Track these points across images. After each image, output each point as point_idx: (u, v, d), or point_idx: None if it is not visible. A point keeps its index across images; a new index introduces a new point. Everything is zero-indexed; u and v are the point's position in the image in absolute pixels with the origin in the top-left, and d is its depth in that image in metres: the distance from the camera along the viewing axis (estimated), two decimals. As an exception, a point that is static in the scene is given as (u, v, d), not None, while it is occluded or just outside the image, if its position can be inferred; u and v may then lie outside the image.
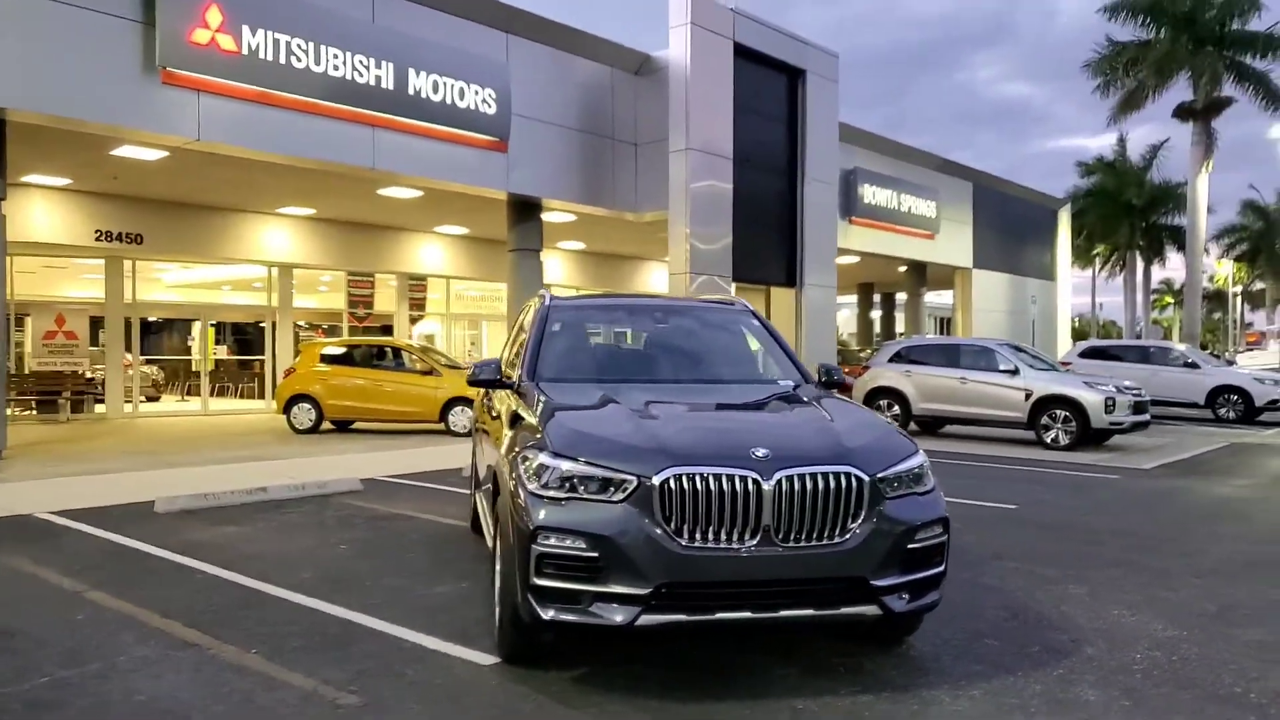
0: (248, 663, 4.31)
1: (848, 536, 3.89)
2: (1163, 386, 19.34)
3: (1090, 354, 21.27)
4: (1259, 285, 66.04)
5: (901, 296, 33.08)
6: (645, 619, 3.76)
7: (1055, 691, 4.02)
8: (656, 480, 3.81)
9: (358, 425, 16.35)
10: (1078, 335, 51.35)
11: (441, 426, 15.21)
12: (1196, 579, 6.04)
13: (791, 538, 3.82)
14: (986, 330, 27.75)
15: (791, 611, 3.89)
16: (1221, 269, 61.01)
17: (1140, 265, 47.35)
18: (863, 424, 4.49)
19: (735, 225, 17.44)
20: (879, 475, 4.02)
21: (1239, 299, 67.00)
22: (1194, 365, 20.41)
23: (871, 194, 23.75)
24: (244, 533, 7.23)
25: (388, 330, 24.13)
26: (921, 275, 28.43)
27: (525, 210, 17.28)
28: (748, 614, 3.87)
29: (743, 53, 17.58)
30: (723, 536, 3.79)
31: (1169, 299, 76.60)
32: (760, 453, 3.93)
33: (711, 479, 3.82)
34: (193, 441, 14.33)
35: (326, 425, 16.04)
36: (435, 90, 14.43)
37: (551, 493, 3.92)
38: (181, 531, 7.23)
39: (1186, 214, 30.35)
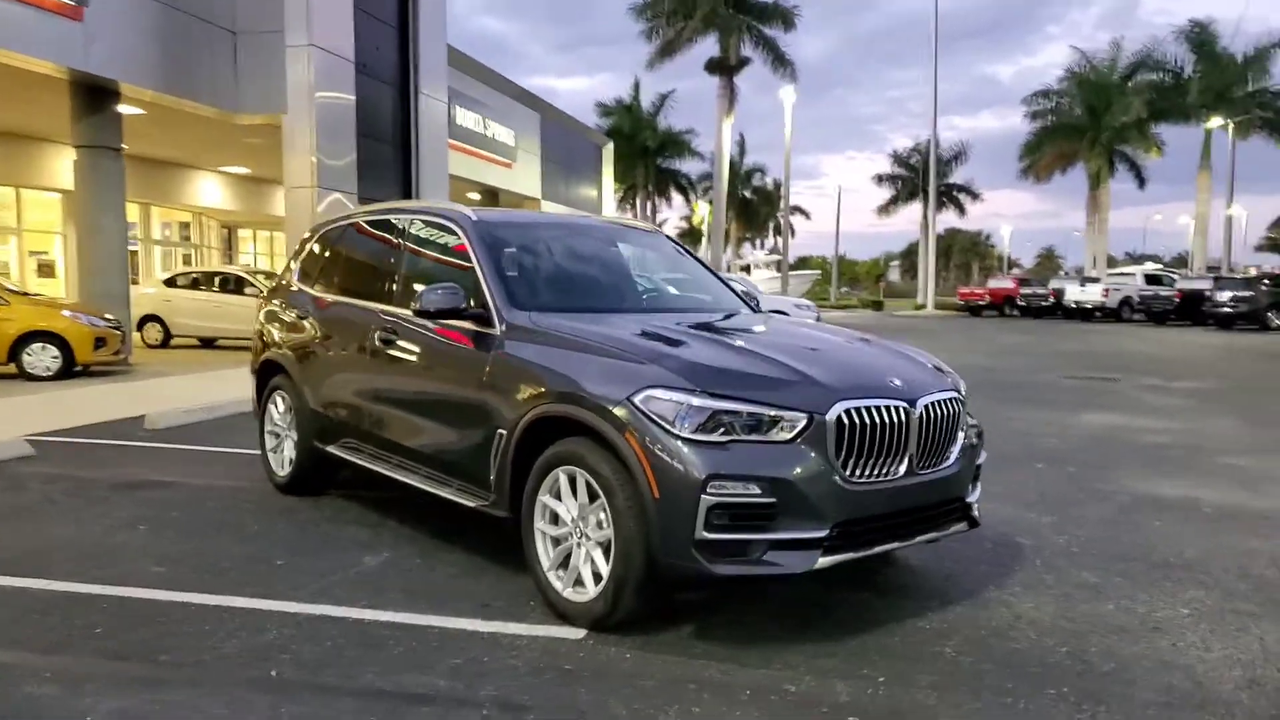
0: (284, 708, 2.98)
1: (955, 459, 3.93)
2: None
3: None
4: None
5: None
6: (821, 562, 3.40)
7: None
8: (830, 416, 3.48)
9: None
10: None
11: (13, 369, 11.89)
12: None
13: (924, 464, 3.77)
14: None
15: (923, 536, 3.87)
16: (699, 210, 70.29)
17: (650, 204, 52.60)
18: (905, 348, 4.44)
19: (358, 139, 15.83)
20: (963, 397, 4.09)
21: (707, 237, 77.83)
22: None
23: (462, 116, 23.09)
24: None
25: None
26: (495, 204, 28.51)
27: (95, 98, 13.83)
28: (895, 544, 3.81)
29: (363, -57, 15.81)
30: (881, 470, 3.62)
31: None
32: (896, 382, 3.79)
33: (878, 410, 3.61)
34: None
35: None
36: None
37: (708, 436, 3.39)
38: None
39: (714, 159, 34.15)
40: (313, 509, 5.51)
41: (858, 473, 3.52)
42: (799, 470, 3.38)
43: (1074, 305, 35.23)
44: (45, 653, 3.43)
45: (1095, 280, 35.31)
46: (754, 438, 3.40)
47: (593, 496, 3.63)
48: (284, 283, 6.30)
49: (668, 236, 5.81)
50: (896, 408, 3.65)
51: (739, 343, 4.04)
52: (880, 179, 57.35)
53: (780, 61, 32.58)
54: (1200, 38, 39.51)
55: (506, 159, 26.10)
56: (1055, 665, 3.44)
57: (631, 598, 3.51)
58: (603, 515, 3.57)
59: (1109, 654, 3.55)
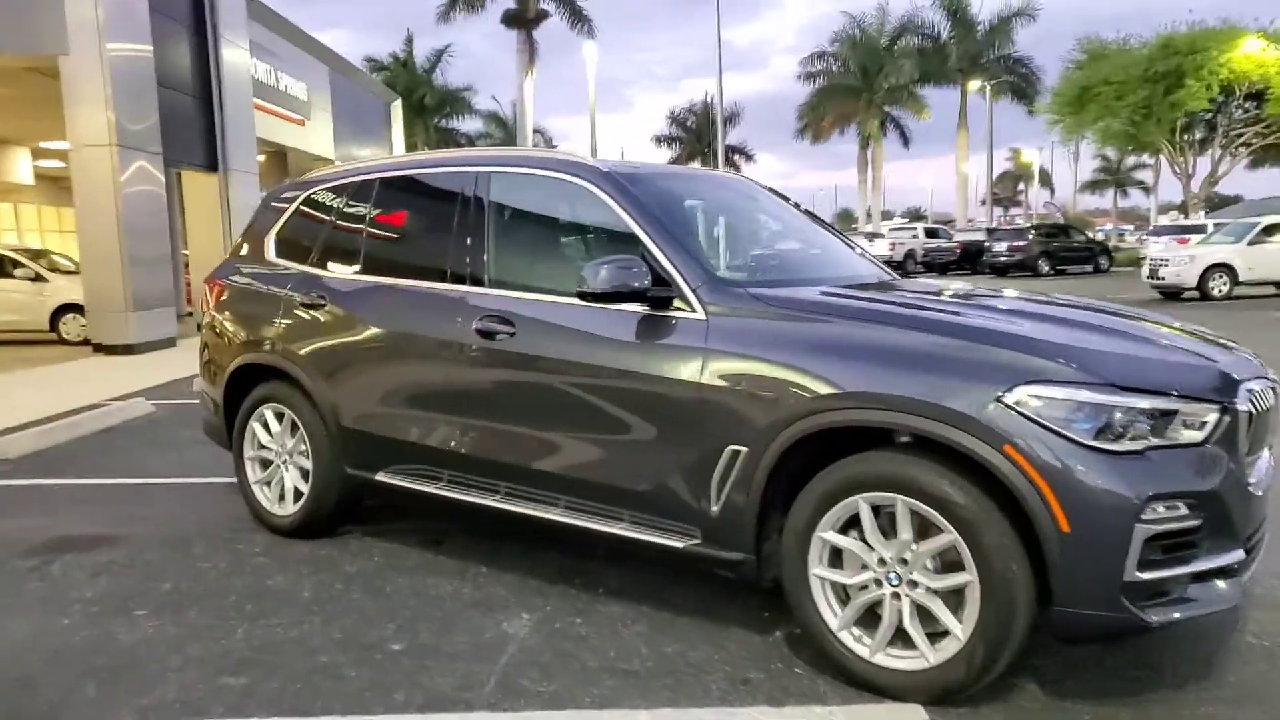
0: None
1: None
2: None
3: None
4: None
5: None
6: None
7: None
8: (1241, 404, 2.80)
9: None
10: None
11: None
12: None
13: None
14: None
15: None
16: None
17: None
18: None
19: (159, 90, 13.43)
20: None
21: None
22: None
23: (254, 67, 20.41)
24: None
25: None
26: (284, 166, 25.72)
27: None
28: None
29: None
30: (1260, 466, 2.98)
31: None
32: (1241, 356, 3.17)
33: (1267, 394, 2.98)
34: None
35: None
36: None
37: (1119, 444, 2.61)
38: None
39: (517, 116, 32.68)
40: (355, 556, 4.21)
41: (1246, 471, 2.84)
42: (1222, 478, 2.67)
43: (861, 259, 36.88)
44: None
45: (880, 235, 37.22)
46: (1165, 440, 2.65)
47: (923, 531, 2.78)
48: (248, 258, 4.82)
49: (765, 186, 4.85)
50: (1276, 389, 3.05)
51: (1054, 314, 3.23)
52: (659, 140, 57.77)
53: (578, 17, 31.57)
54: (953, 5, 42.34)
55: (300, 115, 23.48)
56: None
57: (1005, 658, 2.70)
58: (946, 557, 2.73)
59: None
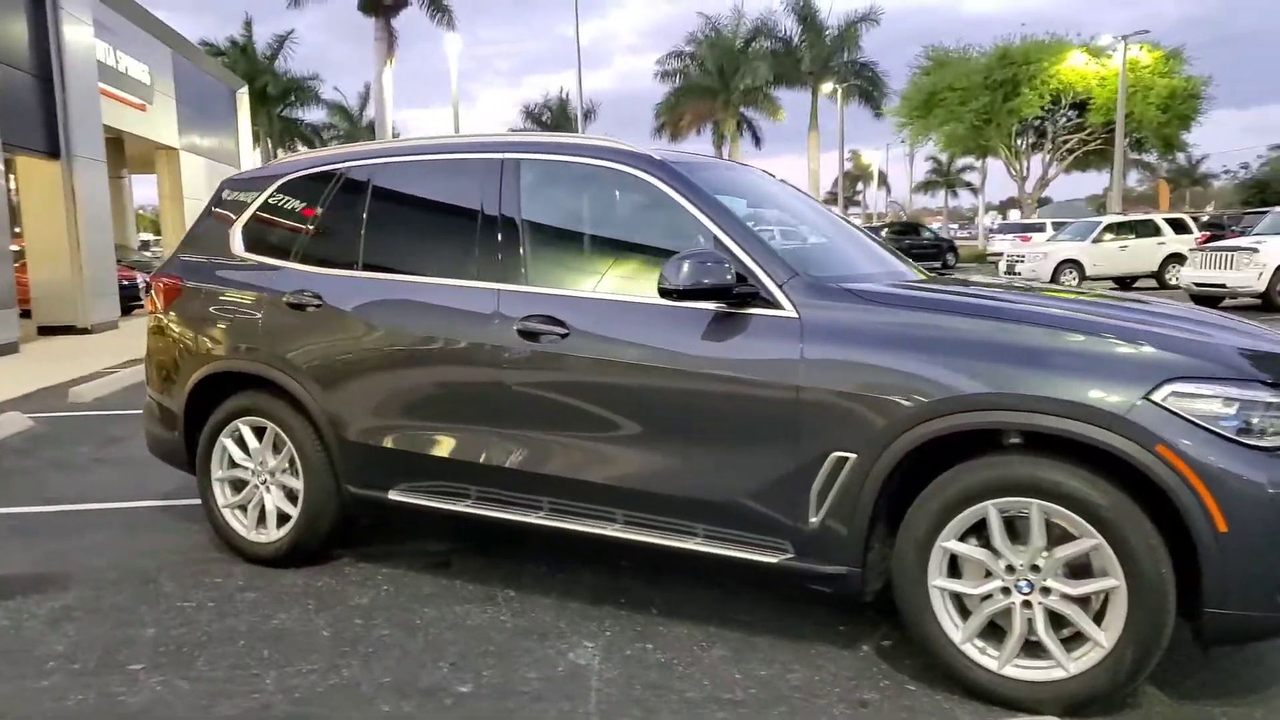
0: None
1: None
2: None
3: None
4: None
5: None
6: None
7: None
8: None
9: None
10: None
11: None
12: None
13: None
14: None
15: None
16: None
17: (275, 157, 47.51)
18: None
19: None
20: None
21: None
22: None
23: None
24: None
25: None
26: (121, 154, 23.75)
27: None
28: None
29: None
30: None
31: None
32: None
33: None
34: None
35: None
36: None
37: (1264, 440, 2.55)
38: None
39: (376, 108, 31.37)
40: (360, 586, 3.76)
41: None
42: None
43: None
44: None
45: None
46: None
47: (1058, 537, 2.67)
48: (208, 253, 4.26)
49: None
50: None
51: (1149, 310, 3.18)
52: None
53: (438, 6, 30.52)
54: (803, 11, 43.61)
55: (141, 99, 21.68)
56: None
57: (1152, 663, 2.63)
58: (1078, 562, 2.64)
59: None
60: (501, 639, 3.28)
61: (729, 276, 3.01)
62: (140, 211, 43.32)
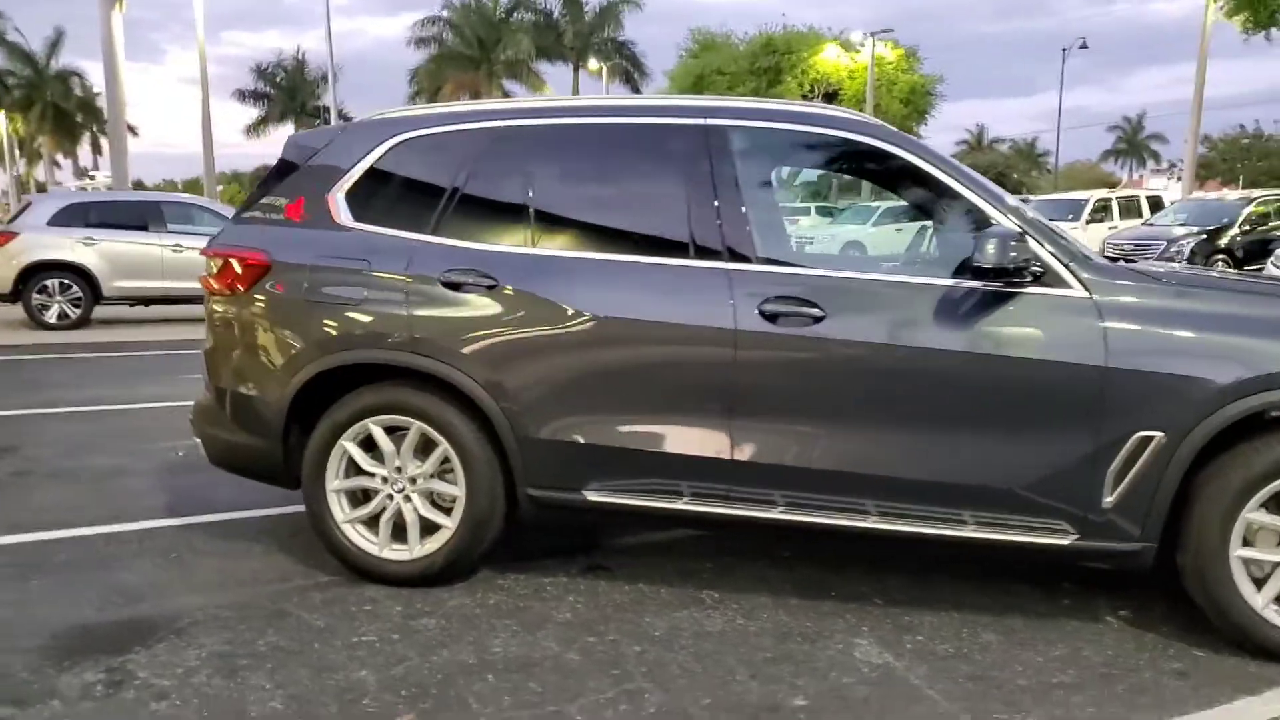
0: None
1: None
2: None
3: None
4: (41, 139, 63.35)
5: None
6: None
7: None
8: None
9: None
10: None
11: None
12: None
13: None
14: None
15: None
16: (-3, 120, 56.93)
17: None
18: None
19: None
20: None
21: (19, 154, 63.06)
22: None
23: None
24: None
25: None
26: None
27: None
28: None
29: None
30: None
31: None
32: None
33: None
34: None
35: None
36: None
37: None
38: None
39: (103, 60, 27.67)
40: (551, 602, 3.33)
41: None
42: None
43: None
44: None
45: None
46: None
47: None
48: (300, 221, 3.55)
49: None
50: None
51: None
52: (244, 95, 52.56)
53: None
54: (563, -15, 43.55)
55: None
56: None
57: None
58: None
59: None
60: (767, 644, 3.05)
61: (1030, 258, 2.96)
62: None
